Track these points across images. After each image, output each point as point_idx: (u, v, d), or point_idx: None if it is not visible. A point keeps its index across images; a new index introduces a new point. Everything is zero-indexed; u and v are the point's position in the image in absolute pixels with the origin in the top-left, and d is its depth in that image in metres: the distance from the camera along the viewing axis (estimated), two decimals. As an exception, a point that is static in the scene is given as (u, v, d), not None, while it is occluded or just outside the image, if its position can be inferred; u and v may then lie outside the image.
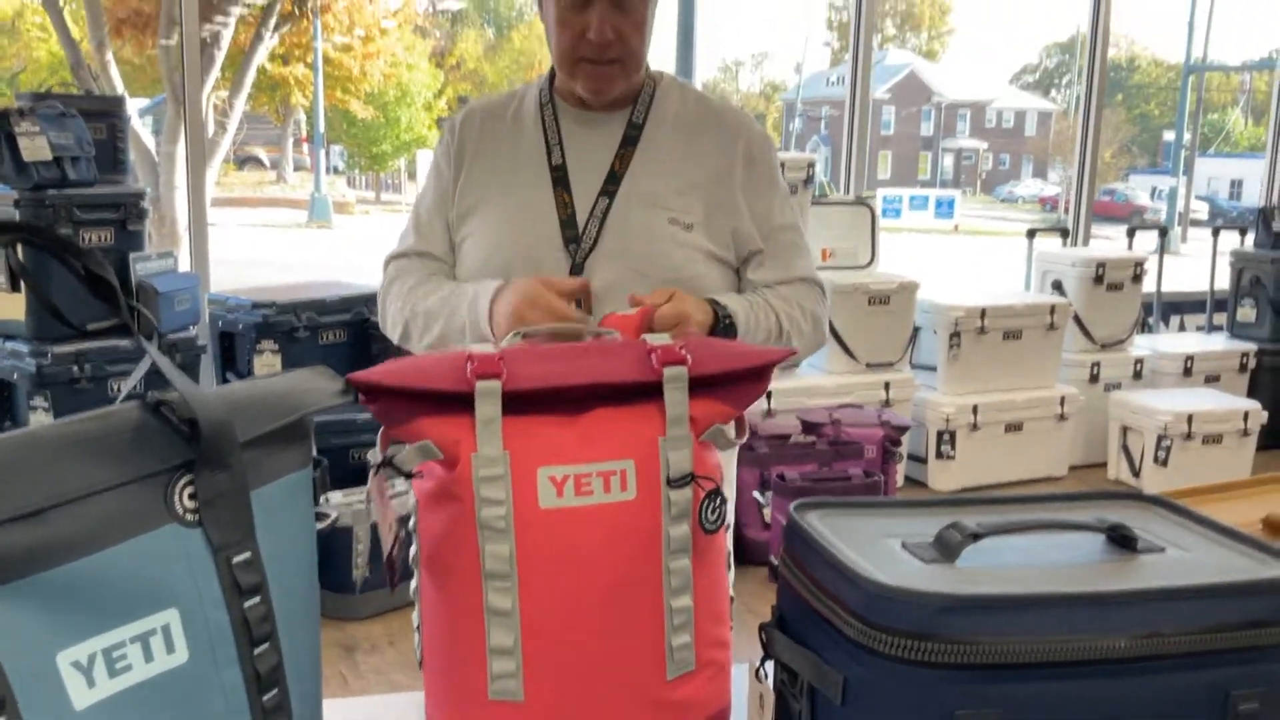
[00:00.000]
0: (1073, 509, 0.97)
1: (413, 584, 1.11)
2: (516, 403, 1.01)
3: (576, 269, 1.52)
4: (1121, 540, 0.88)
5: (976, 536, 0.84)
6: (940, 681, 0.75)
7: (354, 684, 3.18)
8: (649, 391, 1.04)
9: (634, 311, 1.37)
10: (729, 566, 1.14)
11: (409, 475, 1.06)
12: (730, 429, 1.11)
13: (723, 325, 1.47)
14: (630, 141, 1.58)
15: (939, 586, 0.77)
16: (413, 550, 1.10)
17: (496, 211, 1.58)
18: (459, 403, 1.02)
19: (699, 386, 1.05)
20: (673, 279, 1.48)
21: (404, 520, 1.12)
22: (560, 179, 1.56)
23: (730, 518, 1.15)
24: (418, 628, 1.13)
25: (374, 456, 1.10)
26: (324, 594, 3.61)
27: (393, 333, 1.64)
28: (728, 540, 1.13)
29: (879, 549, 0.85)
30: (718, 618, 1.09)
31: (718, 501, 1.07)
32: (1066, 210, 7.25)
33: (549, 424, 1.03)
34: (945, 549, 0.84)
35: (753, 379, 1.10)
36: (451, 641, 1.05)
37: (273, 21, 10.35)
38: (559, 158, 1.57)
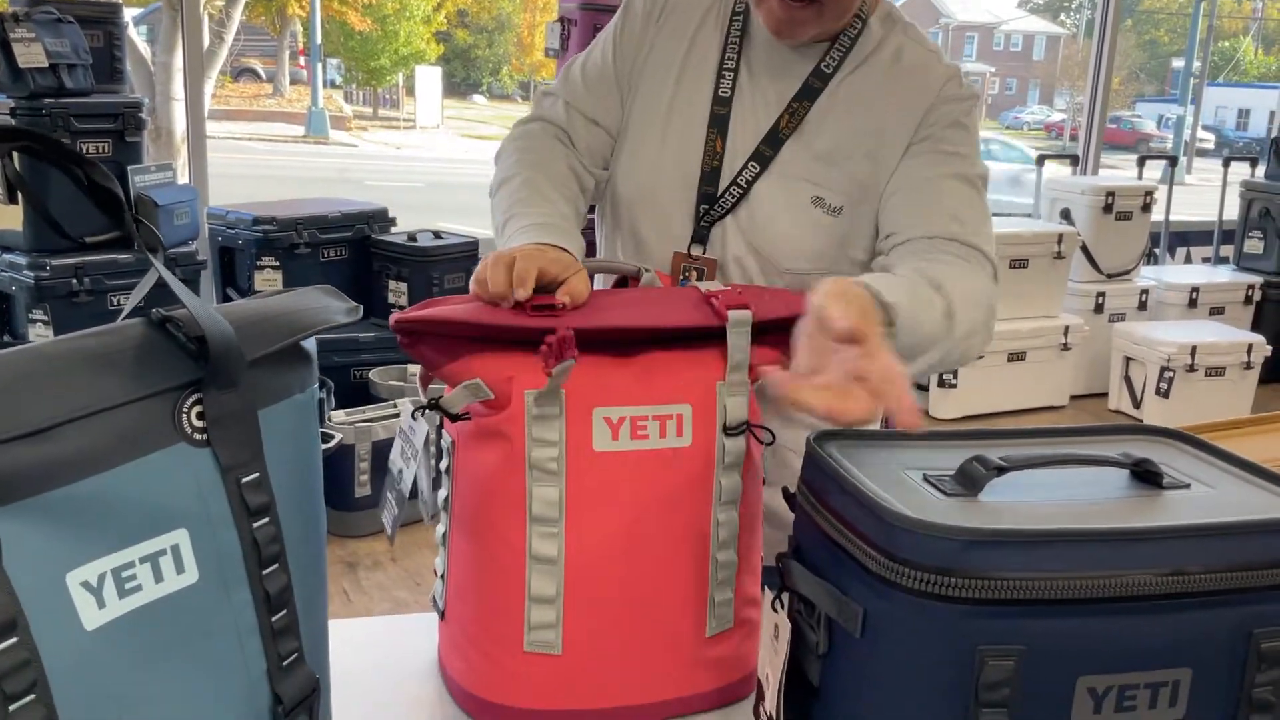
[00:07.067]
0: (1096, 443, 0.96)
1: (440, 529, 1.09)
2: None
3: (700, 234, 1.30)
4: (1146, 476, 0.86)
5: (1001, 470, 0.82)
6: (963, 617, 0.74)
7: (357, 600, 3.21)
8: (704, 336, 1.01)
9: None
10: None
11: (455, 418, 1.02)
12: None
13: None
14: (809, 93, 1.29)
15: (963, 521, 0.75)
16: (443, 493, 1.07)
17: (651, 145, 1.33)
18: (510, 341, 0.98)
19: (756, 333, 1.02)
20: (808, 271, 1.25)
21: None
22: (720, 119, 1.30)
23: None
24: (441, 576, 1.09)
25: (402, 402, 1.06)
26: (327, 511, 3.62)
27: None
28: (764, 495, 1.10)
29: (901, 481, 0.84)
30: (754, 574, 1.07)
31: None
32: (1073, 137, 7.16)
33: (604, 365, 0.99)
34: (969, 482, 0.82)
35: None
36: (486, 590, 1.02)
37: (270, -72, 10.10)
38: (728, 88, 1.31)
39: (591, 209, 1.42)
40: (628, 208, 1.35)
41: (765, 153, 1.28)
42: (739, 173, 1.29)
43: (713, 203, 1.29)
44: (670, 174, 1.32)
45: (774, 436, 1.04)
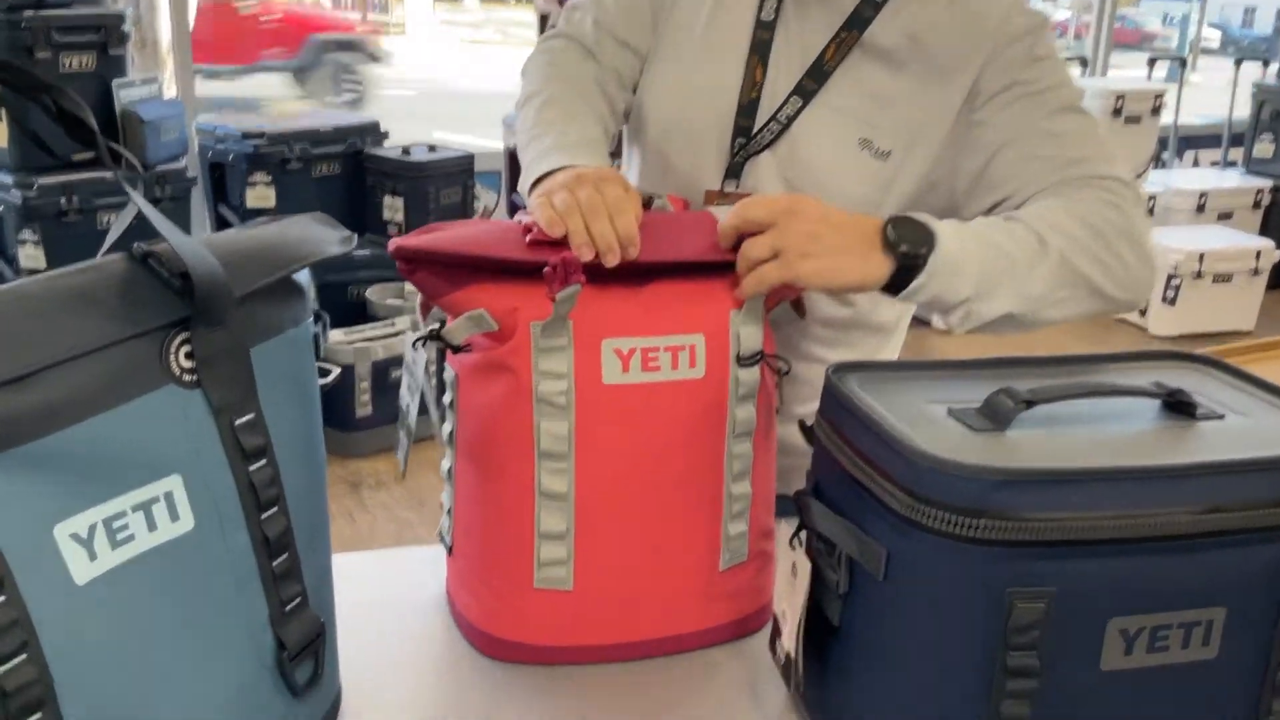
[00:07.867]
0: (1124, 371, 0.92)
1: (445, 464, 1.05)
2: None
3: (734, 169, 1.22)
4: (1179, 406, 0.83)
5: (1030, 404, 0.79)
6: (992, 559, 0.71)
7: (360, 520, 3.21)
8: (716, 265, 0.97)
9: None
10: None
11: (456, 349, 0.98)
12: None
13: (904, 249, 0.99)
14: (858, 23, 1.19)
15: (992, 460, 0.72)
16: (447, 428, 1.03)
17: (685, 71, 1.26)
18: (514, 270, 0.93)
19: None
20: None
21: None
22: (762, 45, 1.21)
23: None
24: (448, 511, 1.06)
25: (407, 328, 1.02)
26: (328, 431, 3.60)
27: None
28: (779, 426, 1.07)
29: (924, 416, 0.80)
30: (768, 506, 1.04)
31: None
32: (1078, 36, 6.99)
33: (612, 295, 0.95)
34: (996, 417, 0.79)
35: None
36: (494, 526, 0.99)
37: None
38: (771, 12, 1.21)
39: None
40: (657, 135, 1.29)
41: (808, 85, 1.20)
42: (780, 107, 1.20)
43: (749, 136, 1.21)
44: (705, 102, 1.24)
45: (789, 367, 1.00)
